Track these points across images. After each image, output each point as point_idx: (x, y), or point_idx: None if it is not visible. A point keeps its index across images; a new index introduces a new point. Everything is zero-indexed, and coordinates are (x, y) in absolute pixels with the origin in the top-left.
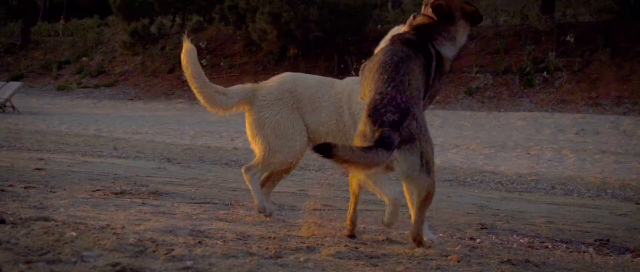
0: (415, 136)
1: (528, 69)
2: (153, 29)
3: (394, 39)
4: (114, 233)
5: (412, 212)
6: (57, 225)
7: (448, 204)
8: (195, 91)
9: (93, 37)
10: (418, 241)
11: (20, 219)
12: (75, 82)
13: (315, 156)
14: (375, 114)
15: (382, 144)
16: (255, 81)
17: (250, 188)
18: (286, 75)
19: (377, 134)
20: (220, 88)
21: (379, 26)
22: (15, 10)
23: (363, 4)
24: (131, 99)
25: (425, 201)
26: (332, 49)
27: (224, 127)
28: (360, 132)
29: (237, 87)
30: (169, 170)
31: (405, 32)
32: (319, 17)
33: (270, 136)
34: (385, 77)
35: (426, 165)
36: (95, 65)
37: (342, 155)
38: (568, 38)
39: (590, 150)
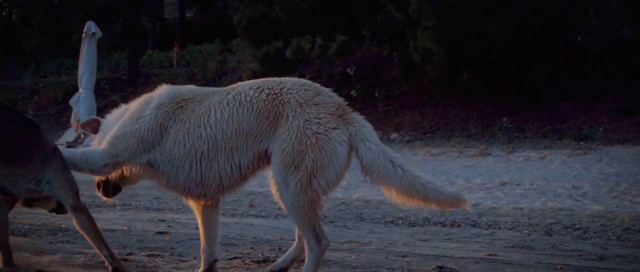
0: None
1: None
2: (289, 53)
3: None
4: None
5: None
6: None
7: None
8: None
9: (215, 67)
10: None
11: None
12: None
13: None
14: None
15: None
16: (421, 115)
17: None
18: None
19: None
20: None
21: (579, 38)
22: (120, 37)
23: (558, 11)
24: None
25: None
26: (510, 72)
27: None
28: None
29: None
30: None
31: None
32: (498, 30)
33: None
34: None
35: None
36: None
37: None
38: None
39: None
